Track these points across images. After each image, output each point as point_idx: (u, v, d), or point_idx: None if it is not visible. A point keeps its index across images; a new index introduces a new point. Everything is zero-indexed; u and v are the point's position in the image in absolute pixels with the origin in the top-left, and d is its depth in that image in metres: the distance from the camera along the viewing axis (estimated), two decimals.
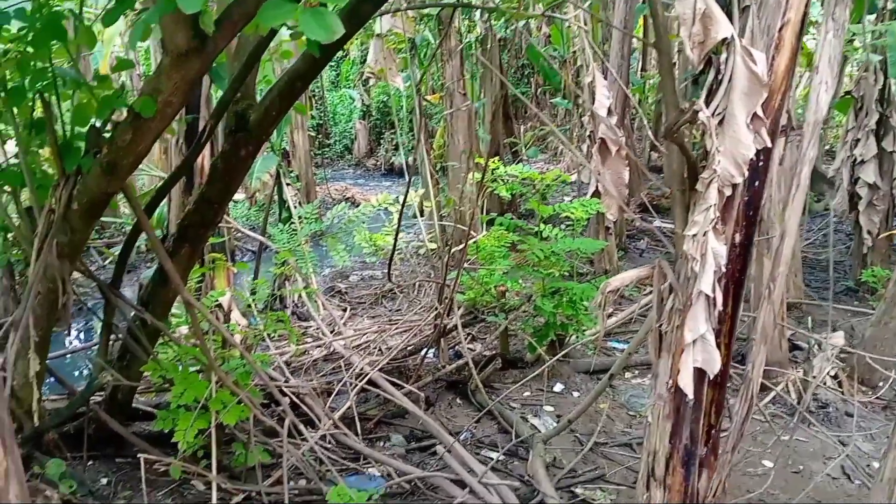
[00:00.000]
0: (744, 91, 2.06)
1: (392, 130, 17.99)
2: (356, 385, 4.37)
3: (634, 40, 10.22)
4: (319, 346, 5.58)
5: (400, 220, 5.63)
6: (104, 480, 3.39)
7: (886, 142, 6.52)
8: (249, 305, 5.06)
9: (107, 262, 8.10)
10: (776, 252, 2.40)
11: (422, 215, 8.06)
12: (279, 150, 7.11)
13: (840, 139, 7.50)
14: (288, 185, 7.40)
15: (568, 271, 5.20)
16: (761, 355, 2.41)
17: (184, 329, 4.05)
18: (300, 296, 6.69)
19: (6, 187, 3.23)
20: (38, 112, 3.03)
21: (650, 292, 3.23)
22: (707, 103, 2.12)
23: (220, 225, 4.93)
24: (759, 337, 2.40)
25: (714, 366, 2.19)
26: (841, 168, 6.88)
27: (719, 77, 2.12)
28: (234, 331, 4.23)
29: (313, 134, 17.72)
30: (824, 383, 4.67)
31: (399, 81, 8.51)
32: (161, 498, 3.32)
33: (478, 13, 9.55)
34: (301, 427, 3.49)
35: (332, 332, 5.79)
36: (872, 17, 6.67)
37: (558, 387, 5.00)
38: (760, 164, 2.15)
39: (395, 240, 5.56)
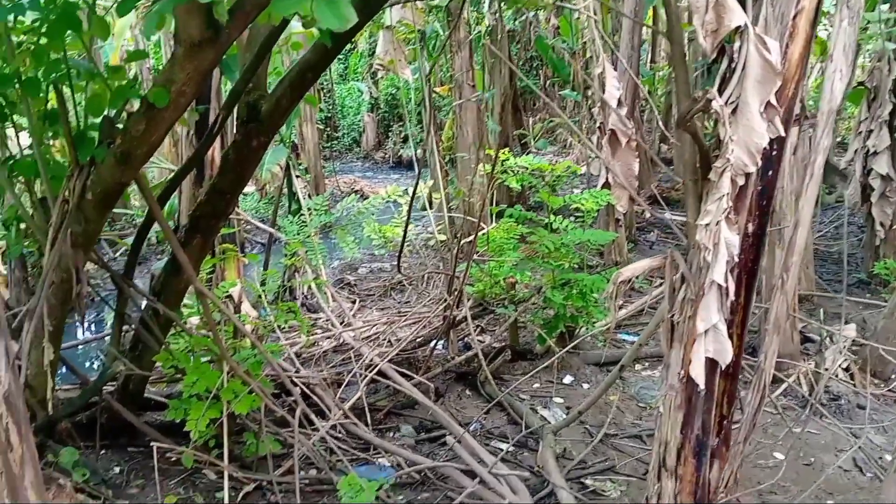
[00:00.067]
0: (757, 79, 2.04)
1: (400, 123, 17.98)
2: (366, 376, 4.39)
3: (644, 32, 10.15)
4: (329, 338, 5.60)
5: (409, 211, 5.63)
6: (117, 469, 3.43)
7: None
8: (260, 296, 5.08)
9: (117, 253, 8.14)
10: (789, 242, 2.39)
11: (431, 207, 8.07)
12: (289, 143, 7.12)
13: (853, 130, 7.42)
14: (297, 177, 7.42)
15: (578, 263, 5.19)
16: (774, 346, 2.41)
17: (195, 319, 4.07)
18: (310, 287, 6.72)
19: (20, 178, 3.25)
20: (52, 103, 3.04)
21: (660, 284, 3.22)
22: (720, 92, 2.11)
23: (230, 217, 4.95)
24: (772, 327, 2.39)
25: (726, 356, 2.18)
26: (853, 159, 6.80)
27: (732, 65, 2.11)
28: (244, 321, 4.25)
29: (322, 127, 17.75)
30: (836, 375, 4.65)
31: (408, 73, 8.49)
32: (173, 486, 3.34)
33: (487, 4, 9.52)
34: (312, 417, 3.51)
35: (341, 324, 5.81)
36: (887, 6, 6.60)
37: (568, 378, 5.00)
38: (774, 153, 2.14)
39: (405, 231, 5.56)
